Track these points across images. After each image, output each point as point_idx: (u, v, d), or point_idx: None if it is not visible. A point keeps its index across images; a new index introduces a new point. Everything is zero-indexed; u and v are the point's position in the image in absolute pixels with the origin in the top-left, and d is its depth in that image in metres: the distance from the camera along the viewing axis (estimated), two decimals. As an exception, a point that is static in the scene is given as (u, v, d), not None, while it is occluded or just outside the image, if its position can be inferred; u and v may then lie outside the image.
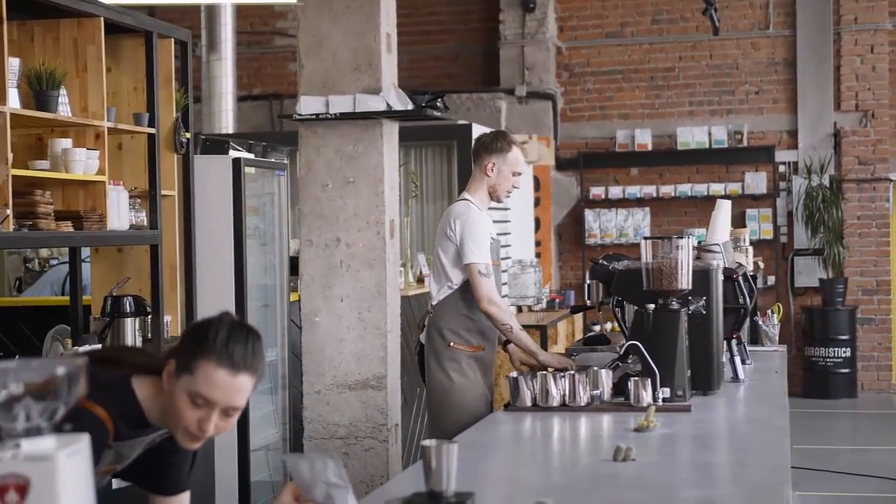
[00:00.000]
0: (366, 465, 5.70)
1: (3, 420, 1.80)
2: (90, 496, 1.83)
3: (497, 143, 5.30)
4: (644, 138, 12.81)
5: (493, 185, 5.28)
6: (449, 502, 2.75)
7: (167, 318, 5.74)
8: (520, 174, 5.34)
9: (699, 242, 5.48)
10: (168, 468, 2.84)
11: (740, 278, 5.08)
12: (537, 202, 12.38)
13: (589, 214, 12.82)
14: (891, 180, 12.52)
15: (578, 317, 11.49)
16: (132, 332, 5.54)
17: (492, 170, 5.27)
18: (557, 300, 11.49)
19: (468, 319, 5.18)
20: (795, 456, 8.77)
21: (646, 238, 4.48)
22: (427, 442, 2.73)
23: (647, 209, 12.75)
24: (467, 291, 5.15)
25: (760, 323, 6.37)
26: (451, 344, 5.17)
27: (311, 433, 5.76)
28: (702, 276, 4.54)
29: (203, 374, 2.52)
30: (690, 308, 4.46)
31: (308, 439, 5.78)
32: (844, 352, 12.14)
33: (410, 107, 5.86)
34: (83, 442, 1.82)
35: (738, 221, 12.16)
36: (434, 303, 5.26)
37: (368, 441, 5.71)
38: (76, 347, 5.25)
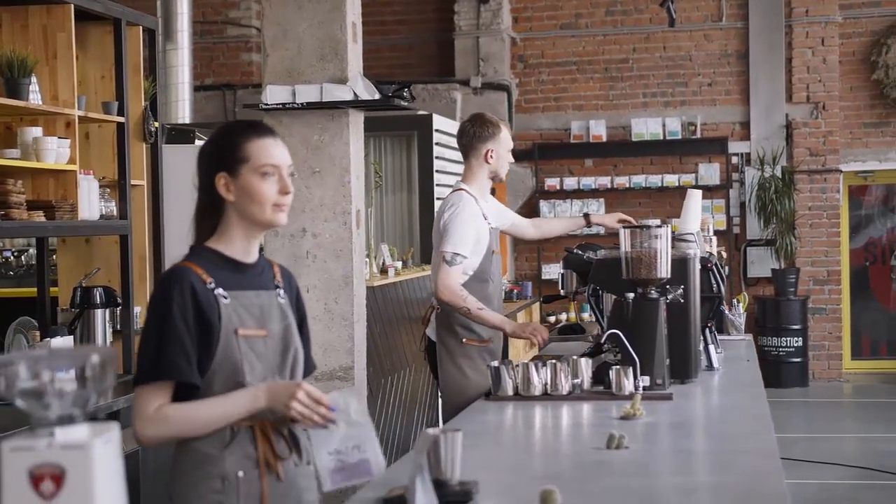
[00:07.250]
0: (332, 456, 5.68)
1: (37, 408, 1.78)
2: (122, 483, 1.82)
3: (488, 129, 5.34)
4: (599, 129, 12.85)
5: (494, 170, 5.36)
6: (454, 490, 2.76)
7: (136, 310, 5.68)
8: (511, 147, 5.45)
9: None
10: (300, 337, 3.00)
11: (714, 267, 5.11)
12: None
13: (544, 205, 12.84)
14: (841, 171, 12.67)
15: (535, 307, 11.54)
16: (102, 324, 5.47)
17: (491, 156, 5.32)
18: (515, 291, 11.55)
19: None
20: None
21: (625, 227, 4.50)
22: (432, 430, 2.72)
23: (602, 200, 12.79)
24: (473, 285, 5.12)
25: (727, 312, 6.41)
26: (464, 340, 5.17)
27: (278, 423, 5.73)
28: (680, 265, 4.56)
29: (256, 151, 2.86)
30: (669, 297, 4.47)
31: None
32: (796, 341, 12.28)
33: (377, 97, 5.83)
34: (115, 430, 1.80)
35: (693, 212, 12.23)
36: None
37: (335, 431, 5.69)
38: (47, 339, 5.17)
